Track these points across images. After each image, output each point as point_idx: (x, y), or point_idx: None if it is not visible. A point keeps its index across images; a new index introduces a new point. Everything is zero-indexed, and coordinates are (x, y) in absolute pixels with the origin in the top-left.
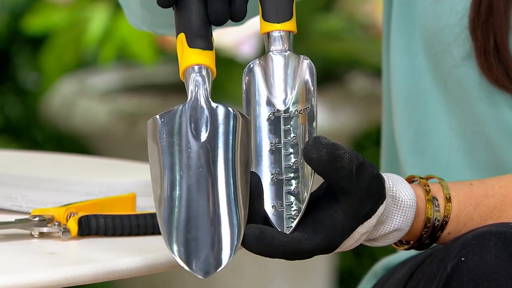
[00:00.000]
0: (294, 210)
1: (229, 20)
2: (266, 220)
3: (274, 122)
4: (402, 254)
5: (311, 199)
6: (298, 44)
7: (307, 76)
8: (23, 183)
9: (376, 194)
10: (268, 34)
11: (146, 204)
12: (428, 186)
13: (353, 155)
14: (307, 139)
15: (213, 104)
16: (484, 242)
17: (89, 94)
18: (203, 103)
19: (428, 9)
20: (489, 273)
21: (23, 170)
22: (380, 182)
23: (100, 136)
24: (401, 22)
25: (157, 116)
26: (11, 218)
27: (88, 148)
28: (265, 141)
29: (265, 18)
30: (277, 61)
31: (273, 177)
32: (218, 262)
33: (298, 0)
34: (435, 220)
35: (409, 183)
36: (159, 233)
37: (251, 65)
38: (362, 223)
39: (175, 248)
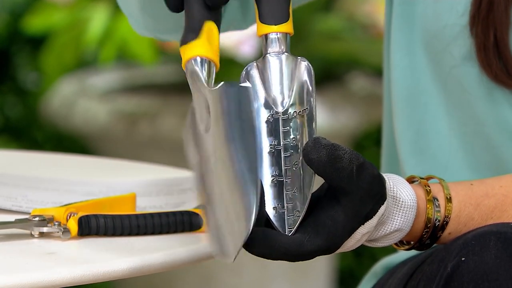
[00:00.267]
0: (295, 211)
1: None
2: (267, 222)
3: (273, 124)
4: (402, 254)
5: (312, 200)
6: (298, 44)
7: (305, 78)
8: (23, 183)
9: (376, 194)
10: (265, 36)
11: (146, 204)
12: (429, 187)
13: (353, 155)
14: (306, 140)
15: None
16: (484, 242)
17: (89, 94)
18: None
19: (428, 9)
20: (489, 273)
21: (23, 170)
22: (381, 182)
23: (100, 136)
24: (401, 22)
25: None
26: (11, 218)
27: (88, 148)
28: (265, 143)
29: (261, 20)
30: (275, 63)
31: (274, 178)
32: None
33: (300, 4)
34: (435, 220)
35: (409, 183)
36: (159, 233)
37: (248, 68)
38: (363, 224)
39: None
